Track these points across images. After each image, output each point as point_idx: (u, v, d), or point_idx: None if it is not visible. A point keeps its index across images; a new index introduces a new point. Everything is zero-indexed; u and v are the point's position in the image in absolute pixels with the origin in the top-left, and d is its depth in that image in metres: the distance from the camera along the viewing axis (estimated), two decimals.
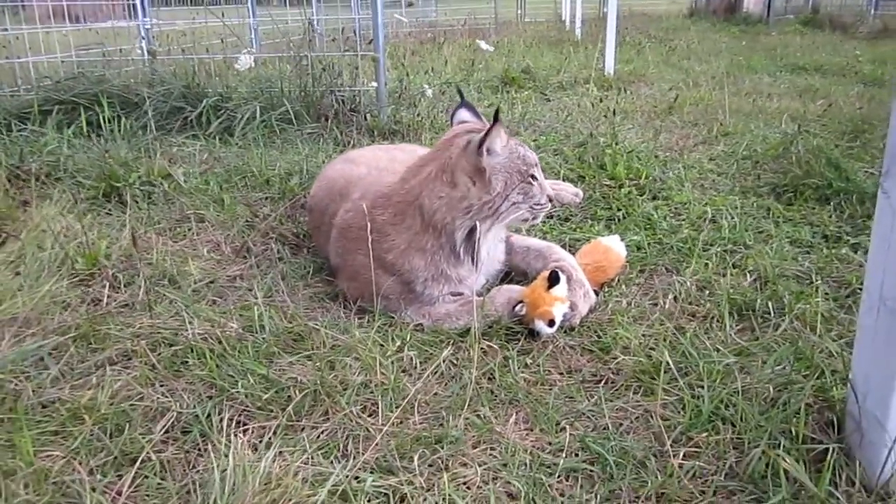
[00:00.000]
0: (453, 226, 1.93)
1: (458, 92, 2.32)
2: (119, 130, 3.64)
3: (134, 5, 5.70)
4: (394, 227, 1.98)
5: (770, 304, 1.96)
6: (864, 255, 2.28)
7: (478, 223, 1.92)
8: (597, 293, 2.08)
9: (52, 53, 4.77)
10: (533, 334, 1.89)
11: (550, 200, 2.04)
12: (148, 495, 1.34)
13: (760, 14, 12.97)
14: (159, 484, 1.36)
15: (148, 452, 1.42)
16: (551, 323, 1.85)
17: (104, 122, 3.68)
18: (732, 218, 2.62)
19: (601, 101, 4.82)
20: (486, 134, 1.87)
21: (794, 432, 1.37)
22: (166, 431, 1.51)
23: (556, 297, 1.86)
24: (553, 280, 1.88)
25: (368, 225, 1.93)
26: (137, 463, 1.40)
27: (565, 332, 1.91)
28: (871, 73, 6.19)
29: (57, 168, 3.15)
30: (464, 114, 2.20)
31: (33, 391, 1.62)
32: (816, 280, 2.12)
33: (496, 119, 1.87)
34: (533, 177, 1.97)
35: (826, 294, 2.03)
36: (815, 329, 1.82)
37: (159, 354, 1.77)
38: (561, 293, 1.88)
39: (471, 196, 1.91)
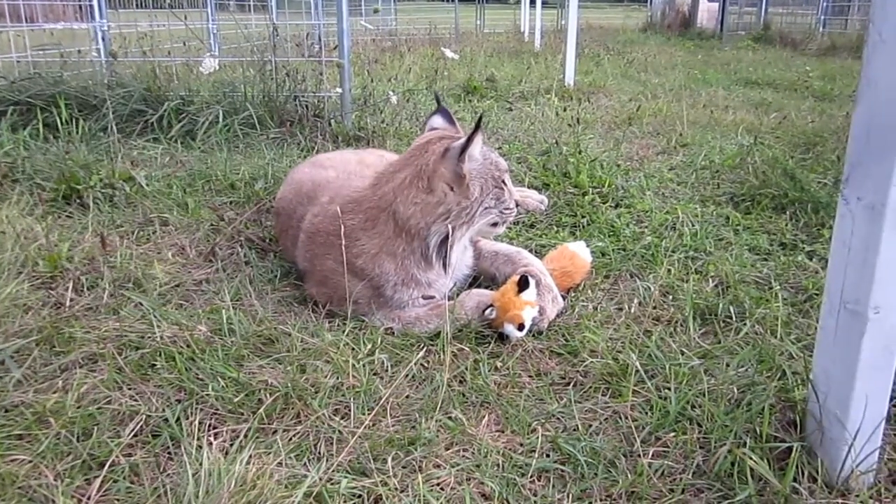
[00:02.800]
0: (427, 231, 1.94)
1: (436, 98, 2.33)
2: (77, 132, 3.58)
3: (91, 7, 5.61)
4: (364, 231, 1.98)
5: (731, 308, 2.02)
6: (819, 262, 2.36)
7: (451, 229, 1.94)
8: (564, 298, 2.11)
9: (5, 54, 4.67)
10: (502, 338, 1.91)
11: (517, 205, 2.07)
12: (118, 499, 1.32)
13: (713, 29, 13.29)
14: (129, 488, 1.35)
15: (117, 456, 1.41)
16: (521, 327, 1.87)
17: (61, 123, 3.60)
18: (693, 226, 2.69)
19: (565, 109, 4.89)
20: (469, 140, 1.89)
21: (758, 431, 1.41)
22: (135, 435, 1.49)
23: (525, 301, 1.89)
24: (523, 284, 1.90)
25: (341, 229, 1.93)
26: (106, 467, 1.38)
27: (534, 335, 1.94)
28: (821, 88, 6.39)
29: (14, 169, 3.08)
30: (437, 120, 2.20)
31: None
32: (775, 286, 2.18)
33: (478, 125, 1.89)
34: (504, 182, 2.00)
35: (784, 299, 2.09)
36: (776, 333, 1.88)
37: (126, 358, 1.74)
38: (530, 297, 1.91)
39: (448, 202, 1.93)
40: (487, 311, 1.92)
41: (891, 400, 1.31)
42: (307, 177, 2.37)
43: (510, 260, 2.16)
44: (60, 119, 3.62)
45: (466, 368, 1.76)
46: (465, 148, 1.89)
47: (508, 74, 6.83)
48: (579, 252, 2.27)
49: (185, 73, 4.50)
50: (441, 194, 1.93)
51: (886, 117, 1.17)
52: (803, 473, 1.33)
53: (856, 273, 1.25)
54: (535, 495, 1.35)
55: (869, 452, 1.30)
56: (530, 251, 2.33)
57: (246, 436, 1.48)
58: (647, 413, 1.58)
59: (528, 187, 3.14)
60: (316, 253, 2.08)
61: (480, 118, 1.94)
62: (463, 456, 1.46)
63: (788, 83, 6.78)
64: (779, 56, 9.53)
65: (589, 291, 2.21)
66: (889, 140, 1.16)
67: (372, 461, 1.42)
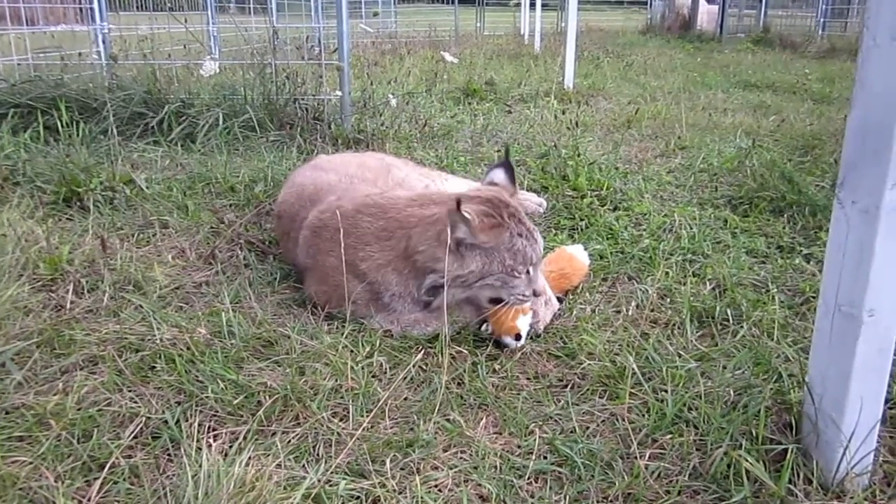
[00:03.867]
0: (426, 273, 1.91)
1: (505, 152, 2.23)
2: (78, 135, 3.59)
3: (91, 9, 5.63)
4: (379, 240, 1.96)
5: (729, 311, 2.03)
6: (816, 265, 2.36)
7: (446, 284, 1.90)
8: (561, 300, 2.12)
9: (6, 56, 4.68)
10: (500, 345, 1.91)
11: (536, 294, 1.94)
12: (118, 501, 1.33)
13: (713, 32, 13.31)
14: (129, 489, 1.35)
15: (117, 458, 1.41)
16: (518, 336, 1.87)
17: (62, 126, 3.61)
18: (691, 228, 2.70)
19: (563, 112, 4.90)
20: (450, 220, 1.83)
21: (754, 434, 1.42)
22: (135, 437, 1.50)
23: (518, 310, 1.89)
24: None
25: (341, 229, 1.93)
26: (106, 468, 1.39)
27: (532, 338, 1.95)
28: (819, 90, 6.40)
29: (15, 172, 3.09)
30: (499, 174, 2.11)
31: None
32: (772, 288, 2.19)
33: (458, 205, 1.78)
34: (516, 272, 1.88)
35: (781, 302, 2.10)
36: (772, 335, 1.89)
37: (126, 360, 1.75)
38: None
39: (447, 260, 1.87)
40: (483, 328, 1.93)
41: (885, 402, 1.32)
42: (308, 180, 2.38)
43: None
44: (61, 122, 3.63)
45: (465, 371, 1.77)
46: (453, 225, 1.83)
47: (508, 77, 6.85)
48: (577, 255, 2.28)
49: (186, 76, 4.51)
50: (443, 251, 1.87)
51: (881, 120, 1.18)
52: (799, 475, 1.34)
53: (850, 276, 1.26)
54: (532, 497, 1.36)
55: (864, 455, 1.31)
56: None
57: (245, 438, 1.49)
58: (643, 415, 1.59)
59: (527, 190, 3.15)
60: (319, 249, 2.06)
61: (458, 202, 1.79)
62: (461, 458, 1.47)
63: (787, 86, 6.79)
64: (778, 58, 9.54)
65: (587, 294, 2.21)
66: (883, 143, 1.17)
67: (370, 463, 1.43)
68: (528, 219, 1.98)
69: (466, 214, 1.79)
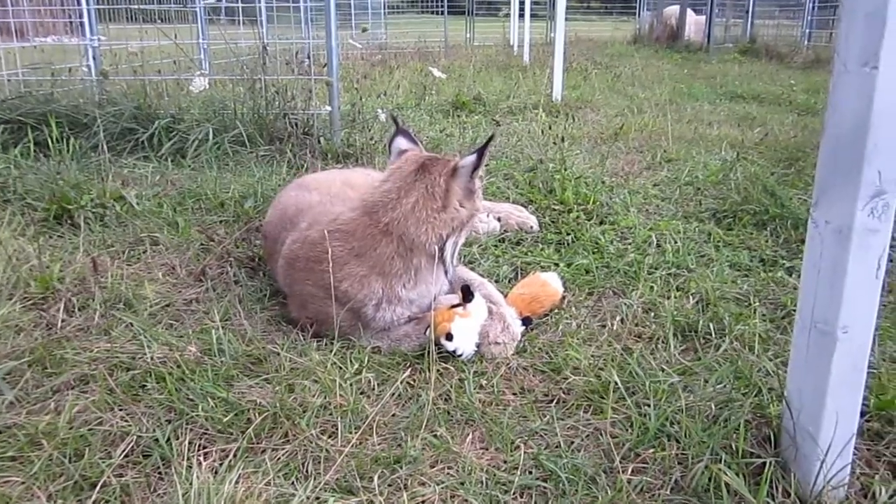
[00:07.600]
0: (440, 245, 1.99)
1: (394, 120, 2.36)
2: (68, 151, 3.60)
3: (81, 23, 5.65)
4: (358, 257, 1.98)
5: (711, 325, 2.07)
6: (798, 279, 2.39)
7: (453, 237, 2.03)
8: (530, 321, 2.11)
9: None
10: (452, 355, 1.93)
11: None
12: None
13: (701, 42, 13.40)
14: None
15: (108, 477, 1.43)
16: (449, 336, 1.90)
17: (52, 142, 3.63)
18: (676, 242, 2.74)
19: (550, 127, 4.95)
20: (480, 157, 2.00)
21: (734, 447, 1.45)
22: (126, 455, 1.52)
23: (454, 311, 1.93)
24: (467, 295, 1.96)
25: (329, 253, 1.96)
26: (98, 487, 1.41)
27: (518, 353, 1.98)
28: (804, 101, 6.48)
29: (6, 189, 3.10)
30: (403, 142, 2.21)
31: None
32: (754, 302, 2.23)
33: (487, 144, 2.01)
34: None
35: (763, 316, 2.14)
36: (754, 349, 1.93)
37: (117, 378, 1.77)
38: (470, 310, 1.95)
39: (461, 215, 2.01)
40: (427, 332, 1.95)
41: (861, 415, 1.36)
42: (292, 200, 2.40)
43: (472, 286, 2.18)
44: (51, 137, 3.65)
45: (451, 387, 1.80)
46: (477, 165, 1.99)
47: (497, 89, 6.89)
48: (550, 282, 2.29)
49: (176, 91, 4.53)
50: (454, 210, 2.00)
51: (851, 144, 1.22)
52: (777, 488, 1.37)
53: (825, 294, 1.30)
54: None
55: (840, 468, 1.34)
56: (514, 268, 2.37)
57: (235, 455, 1.51)
58: (627, 430, 1.62)
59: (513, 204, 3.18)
60: (295, 278, 2.10)
61: (492, 136, 2.09)
62: (448, 473, 1.50)
63: (773, 97, 6.86)
64: (764, 69, 9.64)
65: (573, 309, 2.25)
66: (854, 166, 1.21)
67: (358, 479, 1.45)
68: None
69: (462, 164, 2.02)
